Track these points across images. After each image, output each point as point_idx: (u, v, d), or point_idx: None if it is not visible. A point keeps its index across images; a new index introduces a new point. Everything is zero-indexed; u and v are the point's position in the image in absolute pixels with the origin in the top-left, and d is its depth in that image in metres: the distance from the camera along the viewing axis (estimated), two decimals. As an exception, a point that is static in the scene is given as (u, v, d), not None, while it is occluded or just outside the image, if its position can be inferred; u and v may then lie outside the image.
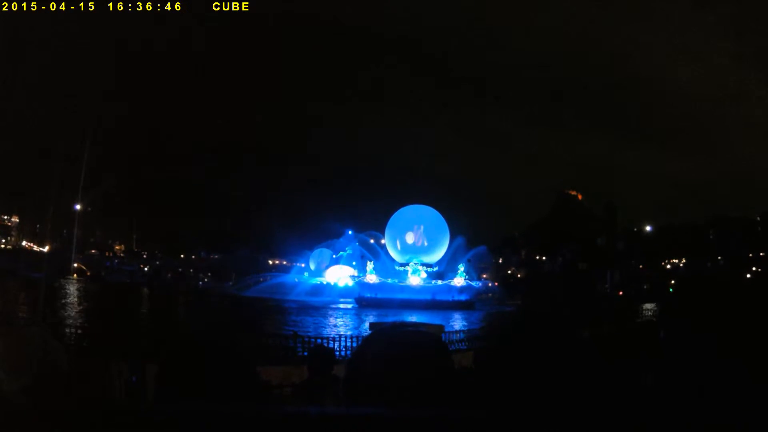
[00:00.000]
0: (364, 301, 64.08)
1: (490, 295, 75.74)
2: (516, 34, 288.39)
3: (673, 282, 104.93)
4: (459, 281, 69.50)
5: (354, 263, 77.74)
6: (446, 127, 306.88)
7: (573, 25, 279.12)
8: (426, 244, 76.85)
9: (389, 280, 71.06)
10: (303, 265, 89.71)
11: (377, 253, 78.19)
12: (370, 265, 72.14)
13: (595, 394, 1.67)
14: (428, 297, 65.09)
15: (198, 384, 1.69)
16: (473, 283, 71.20)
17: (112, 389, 10.37)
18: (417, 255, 75.37)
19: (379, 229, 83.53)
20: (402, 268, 73.71)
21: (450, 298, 65.29)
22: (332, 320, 47.17)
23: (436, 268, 74.76)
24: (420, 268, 72.88)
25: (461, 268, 71.54)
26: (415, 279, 71.13)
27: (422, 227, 77.34)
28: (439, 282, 70.35)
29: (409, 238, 77.00)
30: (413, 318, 45.60)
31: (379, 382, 1.64)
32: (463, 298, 66.18)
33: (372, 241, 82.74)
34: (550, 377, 1.66)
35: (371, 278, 71.33)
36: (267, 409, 1.60)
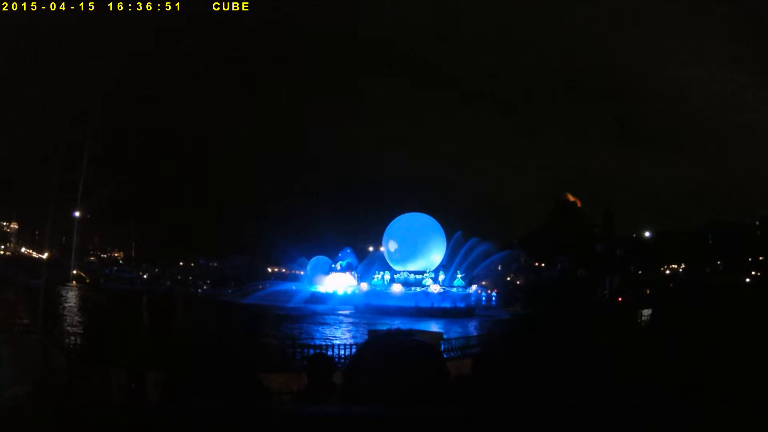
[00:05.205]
0: (361, 308, 64.45)
1: (485, 301, 75.41)
2: (514, 39, 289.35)
3: (672, 286, 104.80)
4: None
5: (356, 268, 78.65)
6: (444, 133, 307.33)
7: (571, 30, 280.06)
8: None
9: (378, 288, 71.74)
10: (302, 273, 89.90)
11: (373, 264, 78.99)
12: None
13: (589, 398, 1.68)
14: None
15: (202, 391, 1.71)
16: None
17: (111, 396, 10.35)
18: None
19: (379, 237, 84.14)
20: (397, 276, 74.23)
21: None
22: (329, 327, 47.01)
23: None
24: (413, 276, 73.43)
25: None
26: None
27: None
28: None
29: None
30: (398, 324, 45.40)
31: (374, 389, 1.66)
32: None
33: (371, 248, 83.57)
34: (547, 383, 1.67)
35: (363, 286, 72.78)
36: (268, 408, 1.62)
